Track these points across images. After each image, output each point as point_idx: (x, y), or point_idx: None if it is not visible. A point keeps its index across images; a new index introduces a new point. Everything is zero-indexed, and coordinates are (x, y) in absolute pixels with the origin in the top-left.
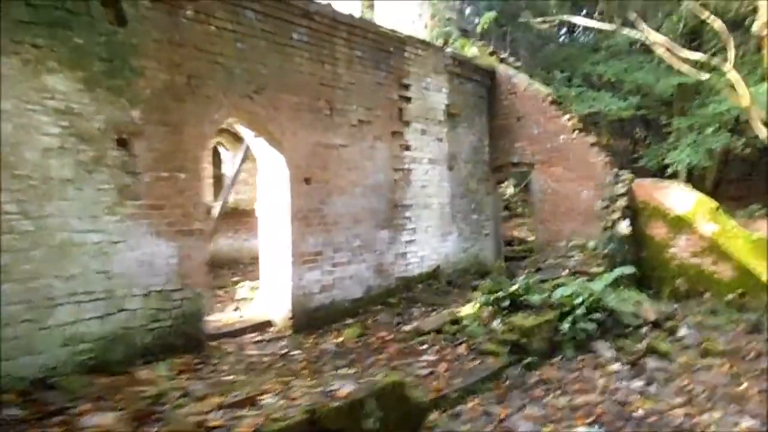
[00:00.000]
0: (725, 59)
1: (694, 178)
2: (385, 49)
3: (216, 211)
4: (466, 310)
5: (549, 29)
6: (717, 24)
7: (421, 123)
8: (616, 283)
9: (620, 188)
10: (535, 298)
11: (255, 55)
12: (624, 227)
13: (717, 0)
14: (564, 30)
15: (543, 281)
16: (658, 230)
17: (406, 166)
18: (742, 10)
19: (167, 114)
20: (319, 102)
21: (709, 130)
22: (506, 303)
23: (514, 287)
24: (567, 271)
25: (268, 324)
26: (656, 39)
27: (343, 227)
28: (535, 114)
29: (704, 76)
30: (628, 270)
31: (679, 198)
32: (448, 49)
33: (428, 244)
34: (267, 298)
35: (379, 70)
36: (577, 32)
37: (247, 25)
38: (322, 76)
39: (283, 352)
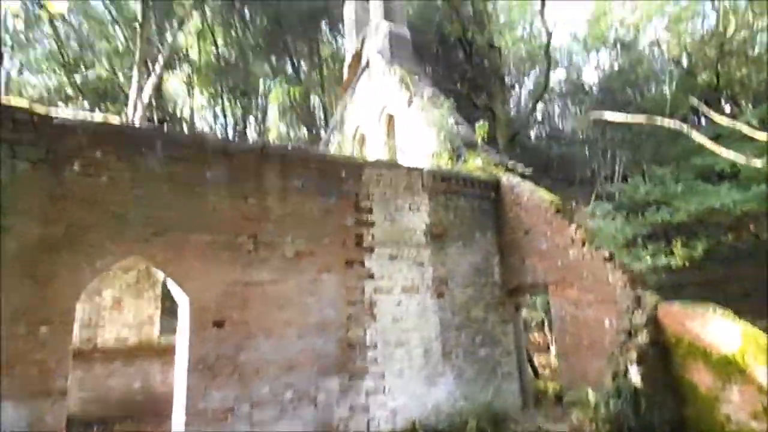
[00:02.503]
0: None
1: None
2: (335, 175)
3: None
4: None
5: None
6: None
7: (390, 247)
8: None
9: (640, 316)
10: None
11: (155, 199)
12: (634, 374)
13: None
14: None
15: None
16: (700, 377)
17: (368, 298)
18: None
19: (35, 267)
20: (239, 238)
21: None
22: None
23: None
24: None
25: None
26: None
27: (269, 376)
28: (541, 226)
29: None
30: None
31: (720, 330)
32: (427, 167)
33: (404, 392)
34: None
35: (327, 197)
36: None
37: (148, 170)
38: (245, 211)
39: None
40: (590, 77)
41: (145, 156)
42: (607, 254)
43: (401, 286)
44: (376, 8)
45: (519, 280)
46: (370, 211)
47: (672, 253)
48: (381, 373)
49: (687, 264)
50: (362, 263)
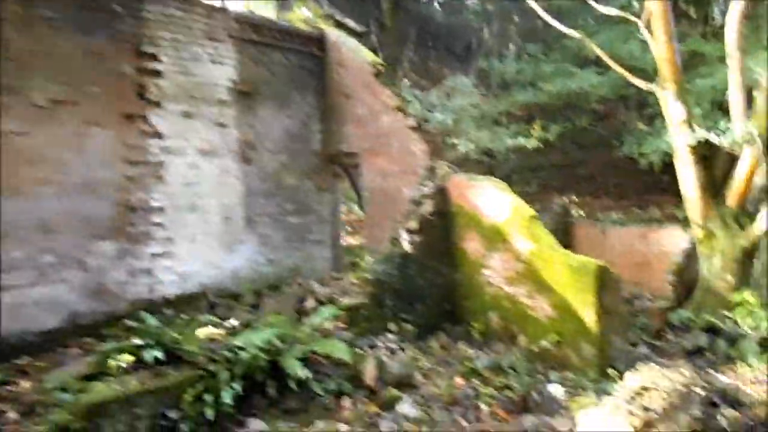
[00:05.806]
0: None
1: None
2: (105, 9)
3: None
4: None
5: None
6: None
7: (184, 103)
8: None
9: (430, 187)
10: (193, 348)
11: None
12: (405, 241)
13: None
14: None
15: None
16: (472, 244)
17: (154, 158)
18: None
19: None
20: None
21: (698, 110)
22: (153, 353)
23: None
24: (313, 300)
25: None
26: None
27: (18, 239)
28: (361, 90)
29: None
30: (330, 312)
31: (495, 201)
32: (234, 9)
33: (198, 257)
34: None
35: (92, 36)
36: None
37: None
38: None
39: None
40: None
41: None
42: (414, 123)
43: (197, 149)
44: None
45: (337, 147)
46: (155, 58)
47: (530, 134)
48: (169, 238)
49: (543, 146)
50: (145, 119)
